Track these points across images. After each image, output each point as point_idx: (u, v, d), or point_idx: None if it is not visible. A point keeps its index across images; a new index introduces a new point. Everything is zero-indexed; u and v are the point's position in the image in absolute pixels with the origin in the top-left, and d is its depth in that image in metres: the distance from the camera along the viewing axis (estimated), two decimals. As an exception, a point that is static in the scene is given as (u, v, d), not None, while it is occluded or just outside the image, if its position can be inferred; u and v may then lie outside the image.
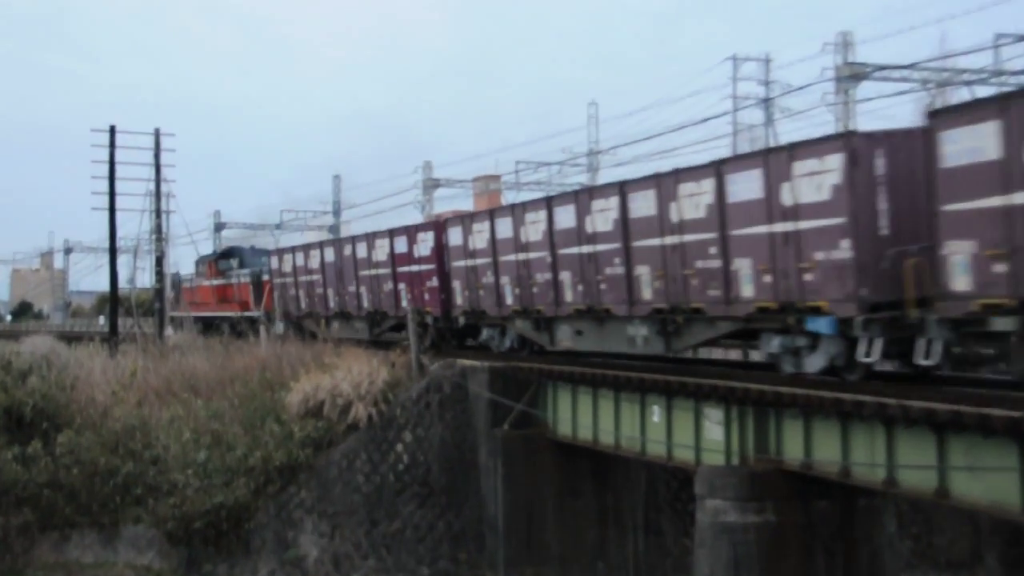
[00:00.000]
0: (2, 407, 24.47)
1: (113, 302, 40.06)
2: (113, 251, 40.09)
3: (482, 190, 52.54)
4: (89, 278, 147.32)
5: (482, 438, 21.04)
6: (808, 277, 14.67)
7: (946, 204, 12.13)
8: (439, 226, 26.55)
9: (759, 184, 15.38)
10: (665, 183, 17.41)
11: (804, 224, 14.64)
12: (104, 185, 38.73)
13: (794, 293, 14.95)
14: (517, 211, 22.09)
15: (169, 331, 38.72)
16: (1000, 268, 11.62)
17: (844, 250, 14.08)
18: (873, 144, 14.06)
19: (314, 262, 33.06)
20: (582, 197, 19.91)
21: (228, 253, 44.30)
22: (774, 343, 15.64)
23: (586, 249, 19.60)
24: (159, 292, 40.24)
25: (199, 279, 45.28)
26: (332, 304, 31.81)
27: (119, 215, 39.04)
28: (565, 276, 20.36)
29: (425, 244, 26.76)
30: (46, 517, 22.51)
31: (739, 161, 16.16)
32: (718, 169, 16.23)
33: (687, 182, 16.87)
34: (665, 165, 25.32)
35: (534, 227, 21.23)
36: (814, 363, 15.08)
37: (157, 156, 39.05)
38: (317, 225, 66.05)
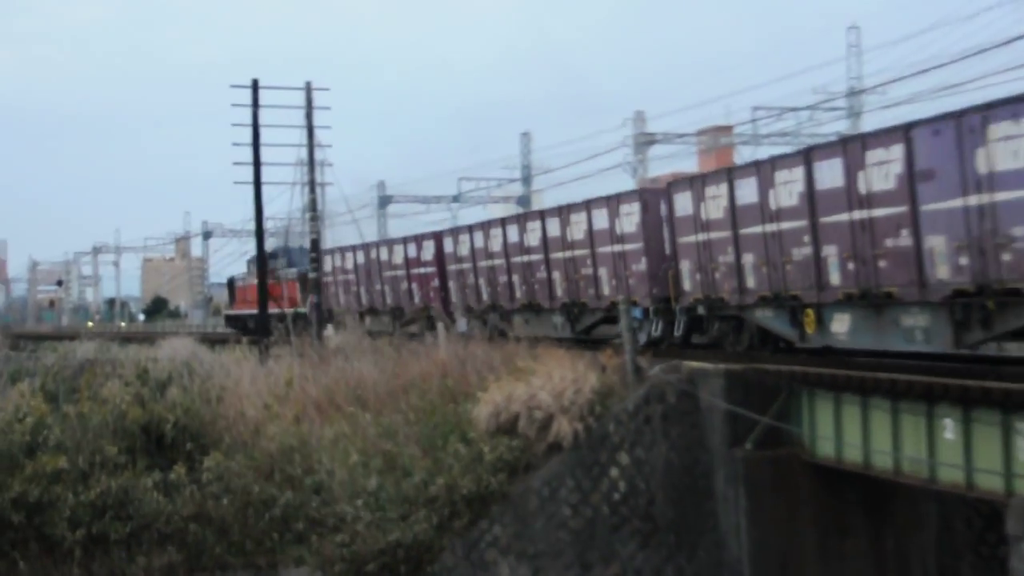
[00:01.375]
0: (139, 425, 25.23)
1: (262, 295, 41.05)
2: (260, 233, 41.10)
3: (709, 146, 51.52)
4: (232, 267, 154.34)
5: (718, 460, 20.55)
6: None
7: (679, 238, 24.61)
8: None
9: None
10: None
11: None
12: (247, 154, 39.58)
13: None
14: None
15: (329, 331, 39.50)
16: (698, 278, 23.77)
17: None
18: None
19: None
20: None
21: (276, 254, 53.99)
22: None
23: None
24: (315, 283, 41.03)
25: (250, 278, 53.59)
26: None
27: (265, 190, 39.93)
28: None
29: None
30: (193, 557, 22.95)
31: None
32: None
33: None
34: (953, 104, 23.83)
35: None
36: None
37: (309, 117, 39.59)
38: (502, 196, 66.55)
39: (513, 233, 32.54)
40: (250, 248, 58.77)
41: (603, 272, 28.03)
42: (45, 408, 25.75)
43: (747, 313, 22.71)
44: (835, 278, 19.52)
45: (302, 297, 48.12)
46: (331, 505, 22.93)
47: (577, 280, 29.04)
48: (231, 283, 62.45)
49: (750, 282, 22.15)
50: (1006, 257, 15.72)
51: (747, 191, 21.87)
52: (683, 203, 24.41)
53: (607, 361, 22.96)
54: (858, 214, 18.64)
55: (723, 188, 22.64)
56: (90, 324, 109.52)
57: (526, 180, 65.71)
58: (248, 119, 39.33)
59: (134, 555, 22.97)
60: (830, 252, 19.57)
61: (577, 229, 29.11)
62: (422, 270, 39.46)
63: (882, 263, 18.24)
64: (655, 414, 21.15)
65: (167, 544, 23.06)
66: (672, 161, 64.00)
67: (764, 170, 21.38)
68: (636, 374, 22.23)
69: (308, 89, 39.87)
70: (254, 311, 50.16)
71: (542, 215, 31.72)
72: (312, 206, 41.02)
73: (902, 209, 17.65)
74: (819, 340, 20.97)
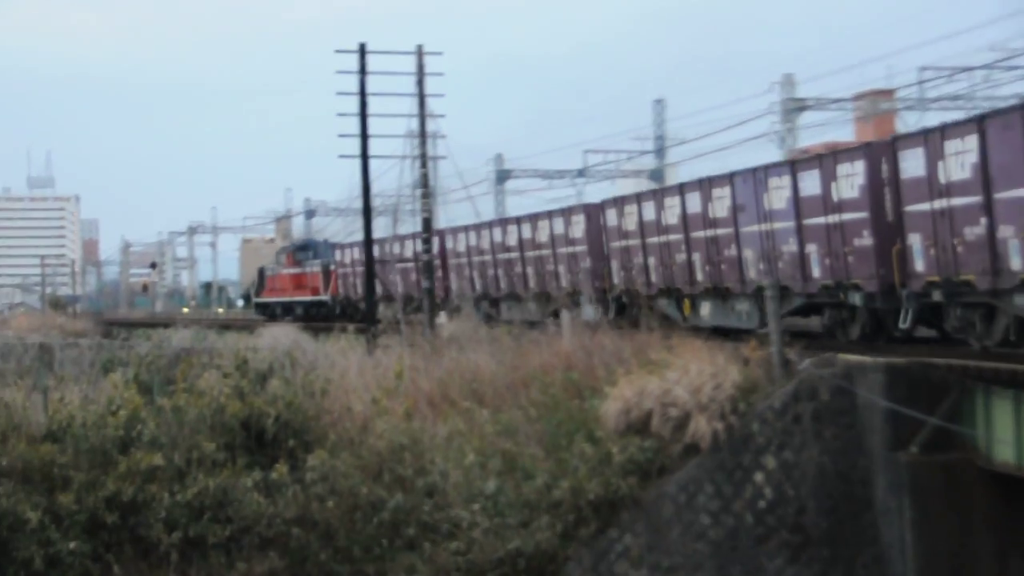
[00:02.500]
0: (238, 419, 25.70)
1: (369, 280, 41.72)
2: (368, 211, 41.68)
3: (868, 112, 50.67)
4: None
5: (879, 465, 20.37)
6: None
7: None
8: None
9: None
10: None
11: None
12: (353, 125, 40.11)
13: None
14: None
15: (442, 318, 39.87)
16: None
17: None
18: None
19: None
20: None
21: (304, 247, 70.42)
22: None
23: None
24: (427, 265, 41.46)
25: (279, 268, 69.92)
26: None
27: (373, 164, 40.41)
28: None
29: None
30: (296, 563, 23.35)
31: None
32: None
33: None
34: None
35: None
36: None
37: (420, 84, 39.99)
38: (633, 170, 66.37)
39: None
40: (356, 229, 60.26)
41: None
42: (139, 401, 26.42)
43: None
44: None
45: (323, 286, 63.29)
46: (445, 509, 23.13)
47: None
48: (261, 272, 75.02)
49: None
50: None
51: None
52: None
53: (751, 353, 22.87)
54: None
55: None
56: (185, 310, 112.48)
57: (659, 152, 65.29)
58: (354, 87, 39.79)
59: (233, 560, 23.48)
60: None
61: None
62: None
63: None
64: (805, 413, 20.99)
65: (268, 549, 23.52)
66: (824, 130, 63.03)
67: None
68: (784, 368, 22.11)
69: (419, 53, 40.24)
70: (282, 298, 68.37)
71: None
72: (424, 181, 41.40)
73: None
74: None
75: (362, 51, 40.04)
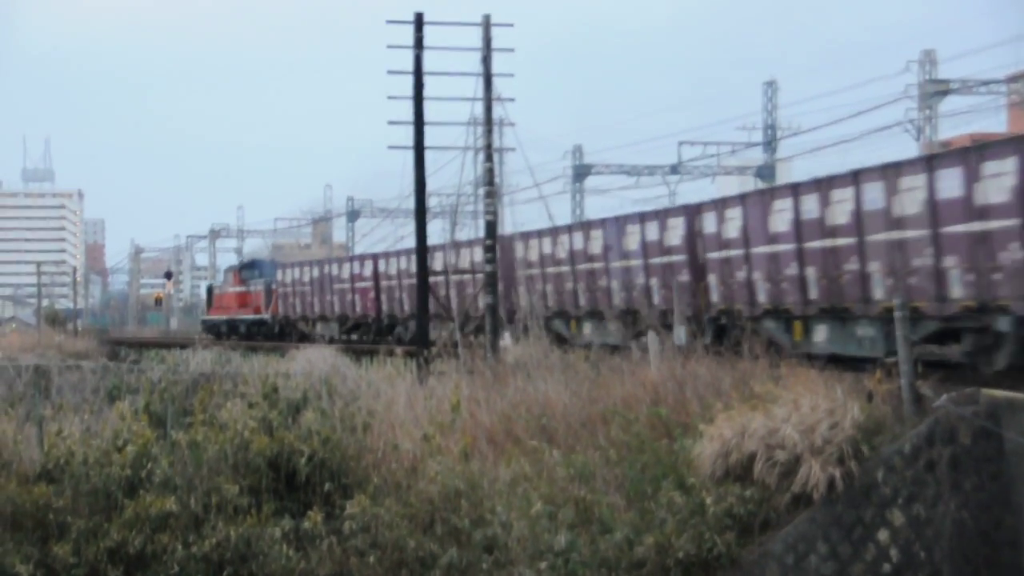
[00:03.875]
0: (266, 458, 25.90)
1: (422, 293, 41.79)
2: (421, 211, 41.74)
3: None
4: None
5: None
6: None
7: None
8: None
9: None
10: None
11: None
12: (406, 111, 40.13)
13: None
14: None
15: (507, 340, 39.94)
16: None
17: None
18: None
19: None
20: None
21: (251, 265, 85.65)
22: None
23: None
24: (491, 277, 41.47)
25: (226, 286, 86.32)
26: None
27: (429, 158, 40.34)
28: None
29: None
30: (332, 629, 23.59)
31: None
32: None
33: None
34: None
35: None
36: None
37: (487, 61, 39.99)
38: (737, 166, 66.30)
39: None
40: (406, 233, 61.17)
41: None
42: (150, 434, 26.73)
43: None
44: None
45: (265, 304, 78.30)
46: (507, 567, 23.17)
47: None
48: (210, 290, 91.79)
49: None
50: None
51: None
52: None
53: (875, 386, 22.71)
54: None
55: None
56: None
57: (769, 144, 65.08)
58: (409, 65, 39.82)
59: (257, 624, 23.65)
60: None
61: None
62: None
63: None
64: (941, 459, 20.86)
65: (299, 611, 23.65)
66: (969, 119, 62.46)
67: None
68: (915, 405, 21.94)
69: (486, 25, 40.22)
70: (227, 316, 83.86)
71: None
72: (488, 178, 41.33)
73: None
74: None
75: (418, 22, 40.11)
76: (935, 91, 51.73)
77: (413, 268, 52.38)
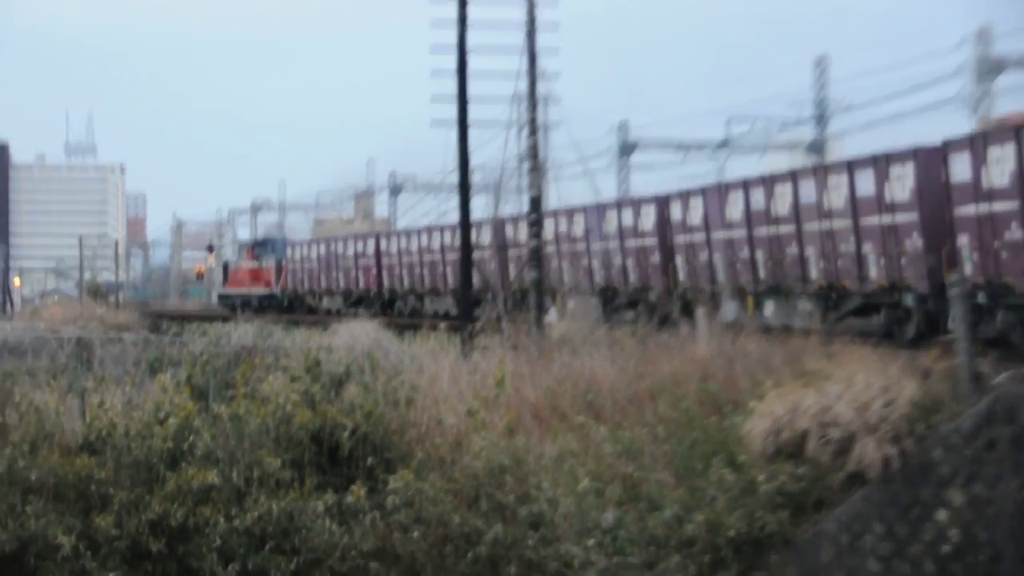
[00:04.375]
0: (308, 432, 25.86)
1: (466, 269, 41.76)
2: (465, 187, 41.69)
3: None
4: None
5: None
6: None
7: None
8: None
9: None
10: None
11: None
12: (449, 87, 40.15)
13: None
14: None
15: (552, 315, 39.88)
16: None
17: None
18: None
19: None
20: None
21: (263, 243, 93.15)
22: None
23: None
24: (535, 252, 41.35)
25: (240, 262, 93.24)
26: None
27: (472, 134, 40.40)
28: None
29: None
30: (375, 604, 23.49)
31: None
32: None
33: None
34: None
35: None
36: None
37: (531, 36, 39.81)
38: (787, 143, 66.10)
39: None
40: (449, 208, 61.67)
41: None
42: (192, 407, 26.68)
43: None
44: None
45: (275, 280, 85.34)
46: (553, 544, 22.97)
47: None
48: (226, 266, 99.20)
49: None
50: None
51: None
52: None
53: (932, 364, 22.52)
54: None
55: None
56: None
57: (820, 120, 64.79)
58: (452, 39, 39.80)
59: (299, 599, 23.57)
60: None
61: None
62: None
63: None
64: (1002, 438, 20.59)
65: (342, 586, 23.56)
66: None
67: None
68: (974, 383, 21.64)
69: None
70: (241, 290, 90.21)
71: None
72: (533, 153, 41.20)
73: None
74: None
75: (462, -2, 40.03)
76: (990, 68, 51.37)
77: (412, 247, 67.44)
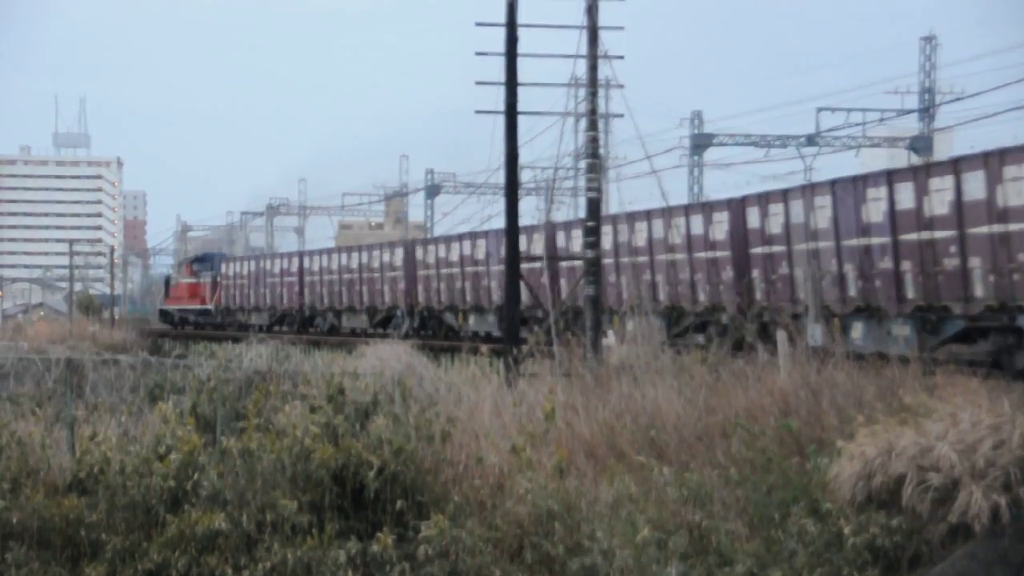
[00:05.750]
0: (329, 470, 25.86)
1: (513, 283, 41.65)
2: (513, 186, 41.48)
3: None
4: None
5: None
6: None
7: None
8: None
9: None
10: None
11: None
12: (494, 69, 39.93)
13: None
14: None
15: (610, 339, 39.87)
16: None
17: None
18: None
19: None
20: None
21: (203, 258, 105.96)
22: None
23: None
24: (593, 264, 41.30)
25: (180, 277, 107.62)
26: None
27: (522, 125, 40.06)
28: None
29: None
30: (404, 672, 23.59)
31: None
32: None
33: None
34: None
35: None
36: None
37: (592, 13, 39.64)
38: (887, 137, 65.88)
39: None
40: (494, 212, 61.26)
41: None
42: (197, 440, 26.78)
43: None
44: None
45: (210, 296, 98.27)
46: (608, 603, 23.00)
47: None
48: (167, 280, 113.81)
49: None
50: None
51: None
52: None
53: (1050, 398, 22.39)
54: None
55: None
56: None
57: (926, 111, 64.44)
58: (500, 17, 39.66)
59: (317, 663, 23.70)
60: None
61: None
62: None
63: None
64: None
65: (366, 650, 23.70)
66: None
67: None
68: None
69: (590, -33, 40.02)
70: (180, 306, 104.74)
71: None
72: (592, 148, 40.97)
73: None
74: None
75: (513, -35, 39.90)
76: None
77: (333, 265, 79.05)
